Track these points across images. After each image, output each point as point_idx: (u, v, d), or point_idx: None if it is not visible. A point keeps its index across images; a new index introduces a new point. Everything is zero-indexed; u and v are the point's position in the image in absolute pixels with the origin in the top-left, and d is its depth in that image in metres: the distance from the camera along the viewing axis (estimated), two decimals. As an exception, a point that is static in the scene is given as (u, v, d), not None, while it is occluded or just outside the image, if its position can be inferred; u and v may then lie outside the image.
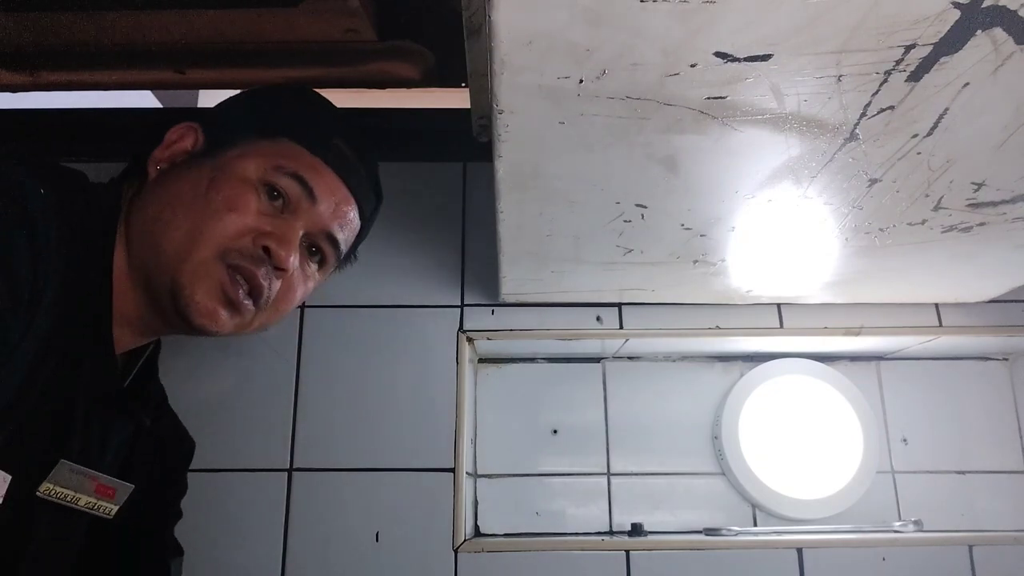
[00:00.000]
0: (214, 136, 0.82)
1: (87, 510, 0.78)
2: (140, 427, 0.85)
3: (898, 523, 1.18)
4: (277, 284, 0.80)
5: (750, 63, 0.57)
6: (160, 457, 0.92)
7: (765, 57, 0.56)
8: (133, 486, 0.82)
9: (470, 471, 1.20)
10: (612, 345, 1.25)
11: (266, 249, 0.77)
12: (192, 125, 0.83)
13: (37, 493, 0.71)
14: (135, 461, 0.86)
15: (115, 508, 0.81)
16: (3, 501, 0.66)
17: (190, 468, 1.13)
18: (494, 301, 1.19)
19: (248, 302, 0.78)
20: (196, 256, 0.74)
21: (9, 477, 0.67)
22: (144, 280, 0.76)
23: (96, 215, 0.73)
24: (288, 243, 0.78)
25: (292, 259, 0.78)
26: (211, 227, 0.74)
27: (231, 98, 0.91)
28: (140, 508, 0.86)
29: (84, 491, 0.76)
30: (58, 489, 0.73)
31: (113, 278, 0.74)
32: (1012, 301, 1.21)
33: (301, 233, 0.81)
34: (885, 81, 0.59)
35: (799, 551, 1.10)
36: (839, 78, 0.59)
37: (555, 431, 1.28)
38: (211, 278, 0.74)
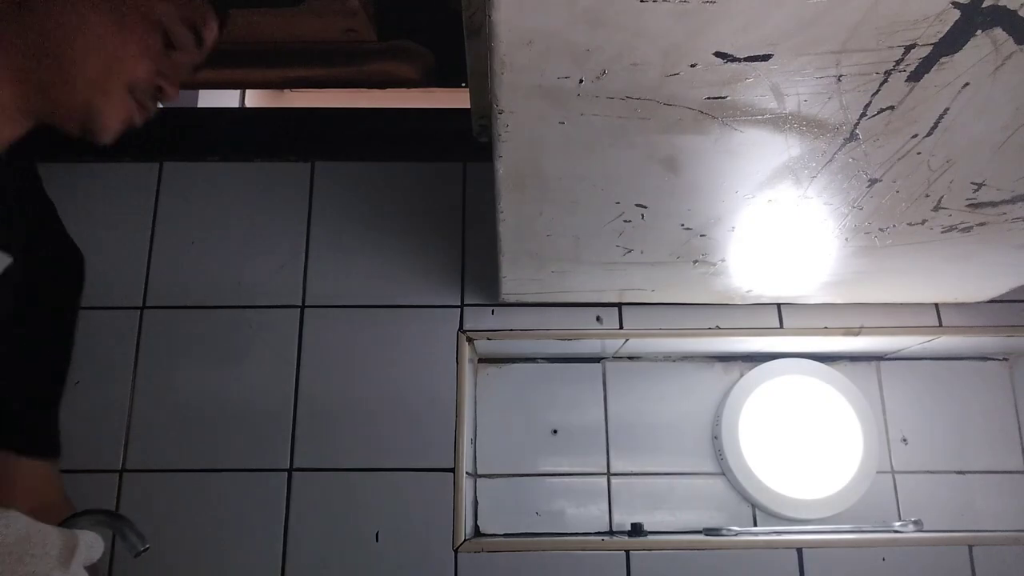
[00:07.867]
0: None
1: None
2: None
3: (898, 523, 1.18)
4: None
5: (750, 63, 0.57)
6: (50, 273, 0.97)
7: (765, 57, 0.56)
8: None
9: (470, 471, 1.20)
10: (612, 345, 1.25)
11: (160, 88, 0.86)
12: None
13: None
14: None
15: None
16: None
17: (191, 468, 1.13)
18: (494, 301, 1.19)
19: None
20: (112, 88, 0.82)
21: None
22: (40, 93, 0.80)
23: None
24: (176, 84, 0.88)
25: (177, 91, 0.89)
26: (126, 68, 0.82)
27: None
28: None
29: None
30: None
31: None
32: (1012, 301, 1.21)
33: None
34: (885, 81, 0.59)
35: (799, 551, 1.10)
36: (839, 78, 0.59)
37: (555, 431, 1.28)
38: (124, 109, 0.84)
